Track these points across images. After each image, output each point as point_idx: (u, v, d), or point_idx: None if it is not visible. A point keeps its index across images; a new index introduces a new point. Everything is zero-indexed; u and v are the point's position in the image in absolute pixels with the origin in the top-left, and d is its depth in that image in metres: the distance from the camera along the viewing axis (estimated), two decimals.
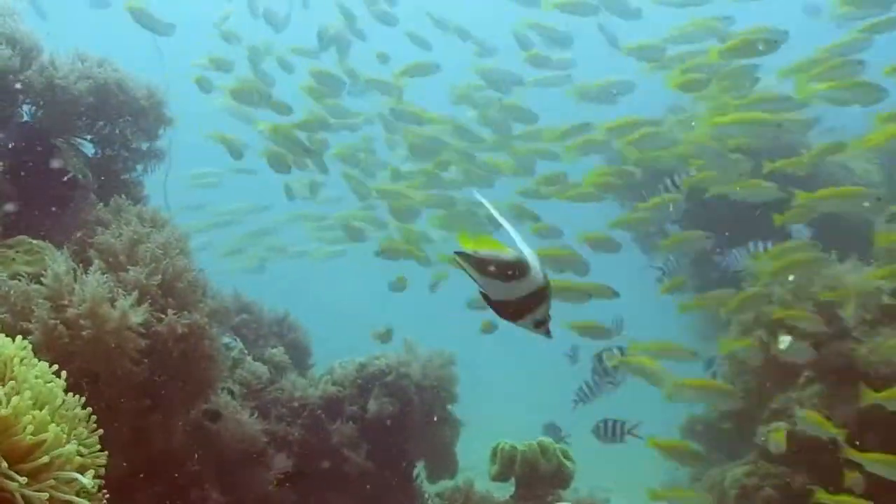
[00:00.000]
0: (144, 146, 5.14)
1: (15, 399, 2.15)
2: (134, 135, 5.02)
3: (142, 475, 4.12)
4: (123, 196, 4.65)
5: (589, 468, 5.82)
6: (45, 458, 2.15)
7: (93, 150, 5.07)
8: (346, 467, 5.94)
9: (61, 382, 2.44)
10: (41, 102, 4.74)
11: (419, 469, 6.53)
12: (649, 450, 6.01)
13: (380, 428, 6.14)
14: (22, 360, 2.38)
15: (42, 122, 4.79)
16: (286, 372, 6.25)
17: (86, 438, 2.47)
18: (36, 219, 4.53)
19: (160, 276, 4.11)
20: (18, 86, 4.58)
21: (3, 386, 2.22)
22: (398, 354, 6.43)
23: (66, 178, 4.76)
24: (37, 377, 2.39)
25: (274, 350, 6.28)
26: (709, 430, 7.58)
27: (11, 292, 3.72)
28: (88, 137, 5.01)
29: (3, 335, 2.40)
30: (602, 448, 6.86)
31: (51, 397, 2.37)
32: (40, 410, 2.25)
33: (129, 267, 4.08)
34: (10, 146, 4.61)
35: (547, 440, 5.73)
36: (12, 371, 2.33)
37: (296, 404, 6.00)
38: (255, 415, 5.37)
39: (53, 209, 4.67)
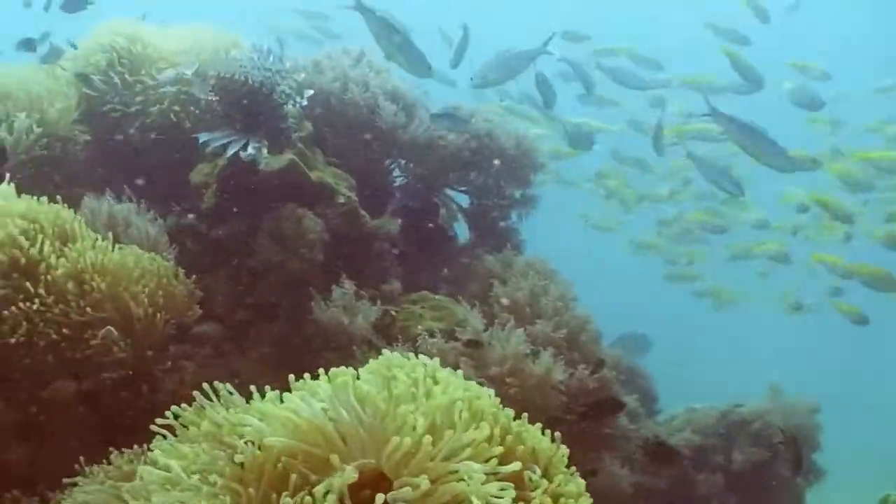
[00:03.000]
0: (517, 194, 5.09)
1: None
2: (507, 183, 4.96)
3: None
4: (508, 246, 4.62)
5: None
6: None
7: (468, 201, 5.06)
8: None
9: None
10: (420, 157, 4.76)
11: None
12: None
13: (746, 478, 5.83)
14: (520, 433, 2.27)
15: (422, 178, 4.83)
16: (640, 419, 6.04)
17: None
18: (425, 273, 4.55)
19: (565, 329, 4.00)
20: (406, 140, 4.62)
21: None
22: (760, 402, 6.10)
23: (448, 232, 4.78)
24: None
25: (628, 398, 6.08)
26: None
27: (434, 350, 3.69)
28: (463, 189, 5.01)
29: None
30: None
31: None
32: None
33: (536, 320, 4.00)
34: (404, 204, 4.67)
35: None
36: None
37: None
38: (625, 466, 5.19)
39: (439, 262, 4.69)
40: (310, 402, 2.11)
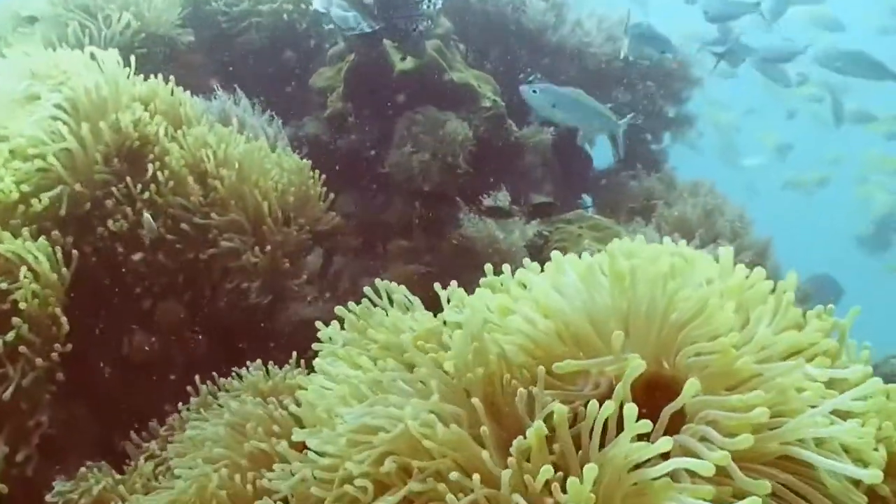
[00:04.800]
0: (671, 112, 4.51)
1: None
2: (660, 100, 4.38)
3: None
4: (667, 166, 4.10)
5: None
6: None
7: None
8: None
9: None
10: (563, 67, 4.22)
11: None
12: None
13: None
14: None
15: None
16: None
17: None
18: (564, 194, 4.02)
19: (750, 252, 3.45)
20: (553, 43, 4.07)
21: None
22: None
23: (587, 153, 4.26)
24: None
25: None
26: None
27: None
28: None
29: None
30: None
31: None
32: None
33: (711, 243, 3.45)
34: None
35: None
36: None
37: None
38: None
39: (578, 184, 4.18)
40: (558, 286, 1.59)
